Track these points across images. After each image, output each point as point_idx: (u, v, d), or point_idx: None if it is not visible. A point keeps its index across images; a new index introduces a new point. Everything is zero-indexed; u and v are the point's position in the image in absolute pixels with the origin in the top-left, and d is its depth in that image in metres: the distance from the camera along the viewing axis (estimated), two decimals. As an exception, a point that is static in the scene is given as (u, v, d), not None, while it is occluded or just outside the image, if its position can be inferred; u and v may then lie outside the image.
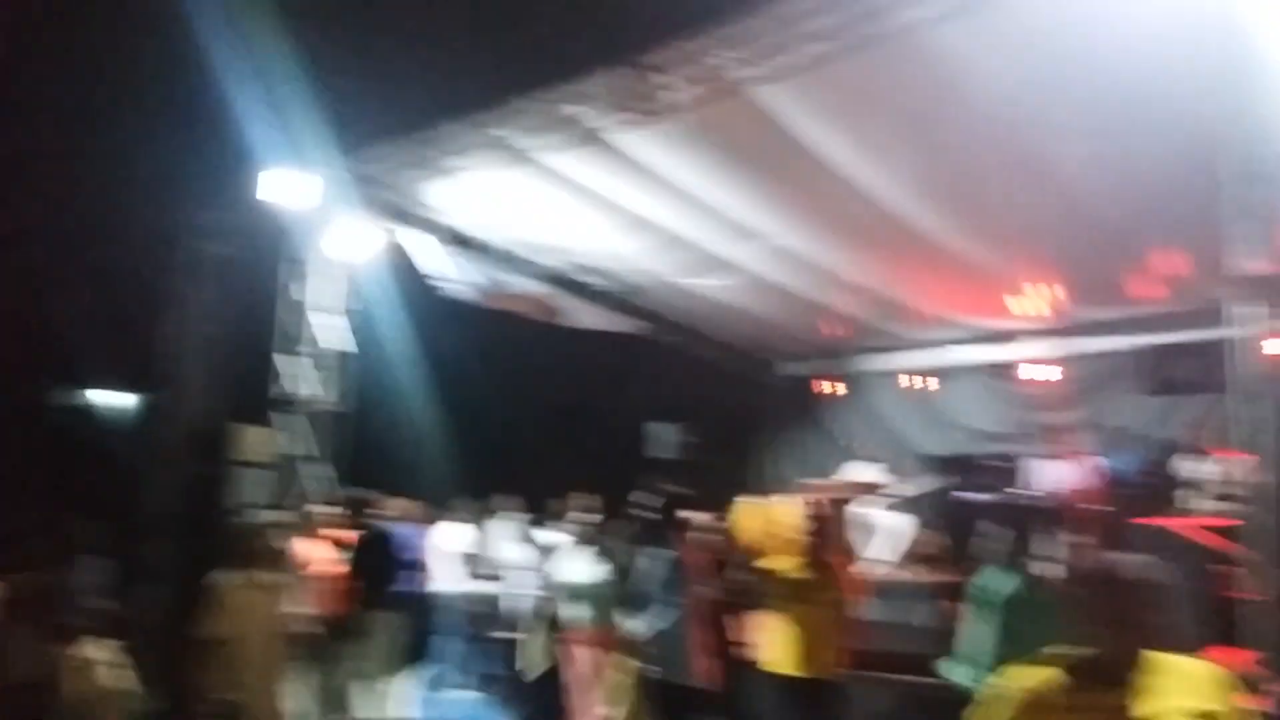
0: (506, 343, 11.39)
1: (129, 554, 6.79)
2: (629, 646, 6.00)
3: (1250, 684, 3.81)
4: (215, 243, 8.83)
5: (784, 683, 5.04)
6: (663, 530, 6.20)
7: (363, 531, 6.79)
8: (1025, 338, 10.97)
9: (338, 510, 7.30)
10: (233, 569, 4.48)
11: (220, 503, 7.08)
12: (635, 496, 5.76)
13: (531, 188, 7.58)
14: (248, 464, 7.63)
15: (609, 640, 5.86)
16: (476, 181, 7.48)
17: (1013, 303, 9.58)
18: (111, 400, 16.83)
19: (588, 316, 10.12)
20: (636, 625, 6.10)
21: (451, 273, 8.34)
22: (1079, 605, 2.27)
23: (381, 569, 6.63)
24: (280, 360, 7.55)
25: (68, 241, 12.92)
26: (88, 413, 16.83)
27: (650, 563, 5.77)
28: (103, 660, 6.12)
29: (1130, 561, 2.30)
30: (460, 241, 8.66)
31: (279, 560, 4.83)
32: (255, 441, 7.70)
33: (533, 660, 6.67)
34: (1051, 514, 8.04)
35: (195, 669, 4.27)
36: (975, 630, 4.18)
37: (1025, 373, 11.08)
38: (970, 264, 8.55)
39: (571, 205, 7.89)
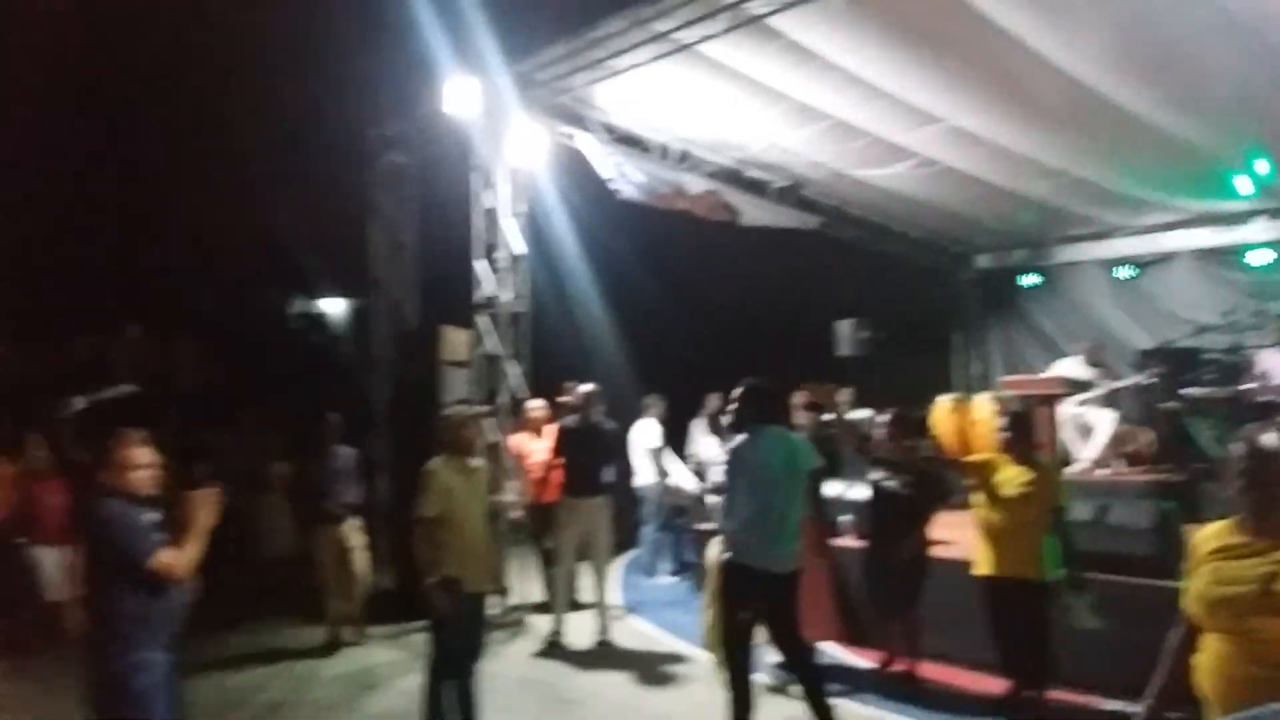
0: (682, 244, 11.53)
1: (358, 446, 7.60)
2: (827, 534, 6.16)
3: None
4: (407, 154, 9.43)
5: (985, 584, 5.01)
6: (852, 428, 6.27)
7: (566, 424, 7.21)
8: (1244, 220, 10.04)
9: (540, 404, 7.84)
10: (442, 457, 4.93)
11: (430, 398, 7.62)
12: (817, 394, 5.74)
13: (698, 82, 7.54)
14: (452, 363, 8.14)
15: (810, 529, 6.02)
16: (644, 80, 7.51)
17: (1230, 182, 8.75)
18: (335, 307, 18.48)
19: (763, 214, 10.04)
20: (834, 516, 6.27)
21: (625, 175, 8.49)
22: None
23: (585, 459, 6.96)
24: (476, 264, 8.00)
25: (278, 159, 14.07)
26: (315, 319, 18.58)
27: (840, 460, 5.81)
28: (353, 538, 7.01)
29: None
30: (632, 142, 8.79)
31: (482, 449, 5.29)
32: (457, 342, 8.20)
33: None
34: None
35: (417, 547, 4.75)
36: None
37: (1245, 257, 10.17)
38: (1180, 141, 7.86)
39: (740, 98, 7.80)
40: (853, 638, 6.54)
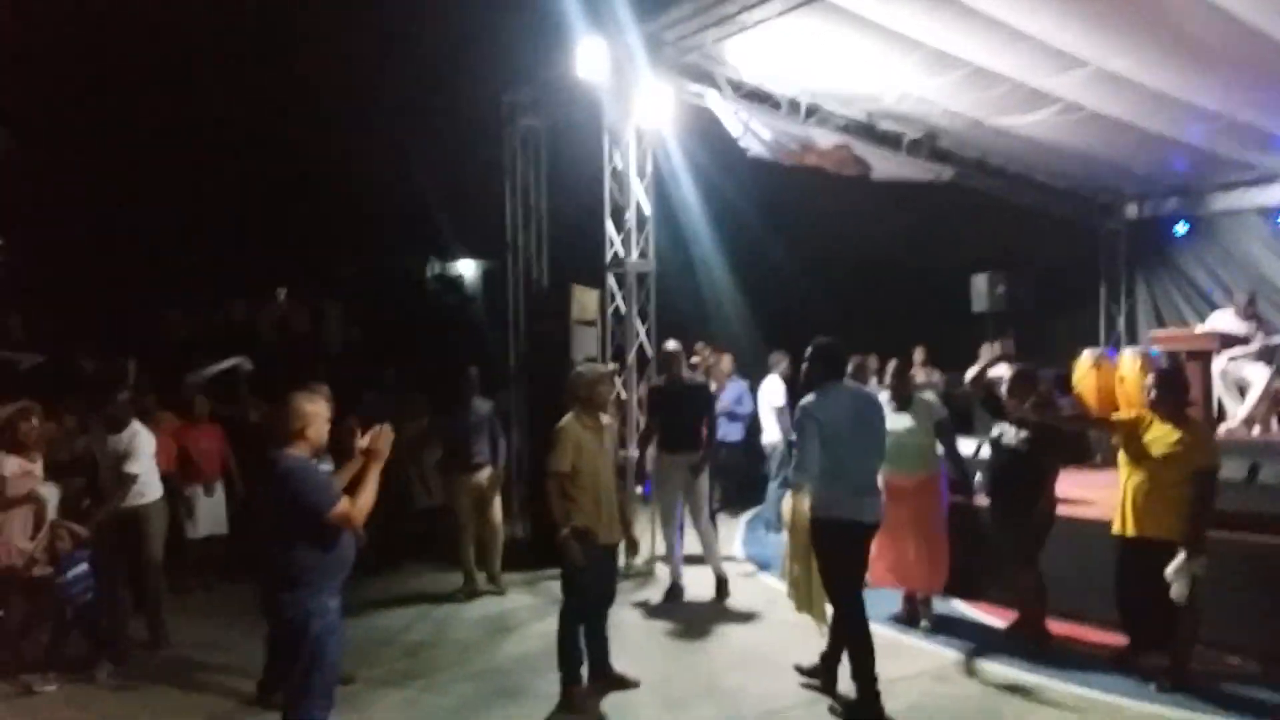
0: (810, 200, 11.36)
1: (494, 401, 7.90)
2: (957, 490, 6.13)
3: None
4: (539, 118, 9.62)
5: (1125, 544, 4.94)
6: (986, 387, 6.15)
7: (655, 383, 7.34)
8: None
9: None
10: (574, 413, 5.09)
11: (562, 356, 7.83)
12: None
13: (829, 34, 7.40)
14: (582, 322, 8.33)
15: (923, 484, 5.99)
16: (773, 34, 7.42)
17: None
18: (468, 269, 19.09)
19: (896, 168, 9.80)
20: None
21: (753, 132, 8.43)
22: None
23: (676, 416, 7.00)
24: (606, 224, 8.13)
25: (416, 127, 14.57)
26: (450, 280, 19.25)
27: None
28: (491, 488, 7.34)
29: None
30: (760, 99, 8.71)
31: (612, 406, 5.43)
32: (587, 301, 8.38)
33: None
34: None
35: (550, 499, 4.95)
36: None
37: None
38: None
39: (872, 48, 7.62)
40: (983, 595, 6.51)
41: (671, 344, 7.24)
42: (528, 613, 6.75)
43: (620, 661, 5.22)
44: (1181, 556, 4.58)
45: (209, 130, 14.98)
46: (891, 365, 6.29)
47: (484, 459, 7.37)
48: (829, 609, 4.88)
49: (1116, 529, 4.96)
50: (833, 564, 4.73)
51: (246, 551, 7.34)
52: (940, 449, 6.13)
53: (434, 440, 8.22)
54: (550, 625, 5.12)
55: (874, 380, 8.21)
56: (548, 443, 5.01)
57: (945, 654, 5.60)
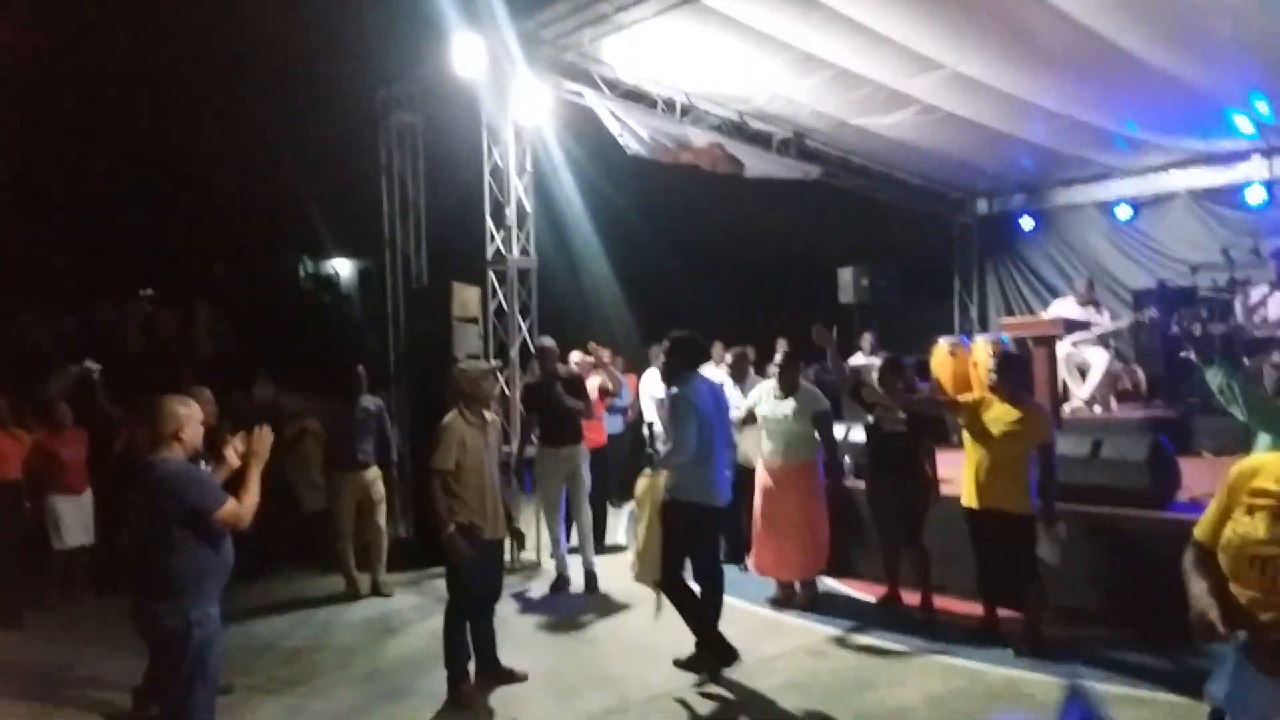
0: (687, 197, 11.62)
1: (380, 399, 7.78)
2: (832, 475, 6.42)
3: None
4: (416, 114, 9.50)
5: (971, 516, 5.30)
6: (844, 372, 6.48)
7: (528, 380, 7.45)
8: (1241, 158, 10.06)
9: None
10: (457, 410, 5.09)
11: (443, 354, 7.76)
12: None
13: (703, 35, 7.60)
14: (463, 319, 8.25)
15: (804, 469, 6.25)
16: (649, 34, 7.57)
17: (1230, 121, 8.77)
18: (344, 268, 18.64)
19: (767, 166, 10.12)
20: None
21: (630, 130, 8.57)
22: None
23: (551, 411, 7.07)
24: (487, 221, 8.12)
25: (286, 123, 14.12)
26: (325, 280, 18.74)
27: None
28: (375, 487, 7.23)
29: None
30: (637, 98, 8.85)
31: (493, 402, 5.46)
32: (468, 298, 8.33)
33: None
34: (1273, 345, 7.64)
35: (435, 497, 4.94)
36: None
37: (1242, 195, 10.23)
38: (1178, 81, 7.89)
39: (744, 50, 7.86)
40: (855, 573, 6.86)
41: (546, 340, 7.34)
42: (413, 613, 6.71)
43: (508, 655, 5.26)
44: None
45: (68, 124, 14.11)
46: (780, 353, 6.52)
47: (369, 458, 7.27)
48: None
49: (965, 502, 5.34)
50: (679, 543, 5.11)
51: (113, 563, 7.06)
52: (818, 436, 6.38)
53: (320, 440, 8.04)
54: (436, 624, 5.12)
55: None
56: (431, 441, 5.00)
57: (820, 630, 5.87)
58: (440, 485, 4.90)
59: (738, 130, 9.76)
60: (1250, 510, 2.28)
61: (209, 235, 15.61)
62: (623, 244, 13.42)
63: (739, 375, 7.31)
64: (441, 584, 5.07)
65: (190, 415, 3.66)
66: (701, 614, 5.16)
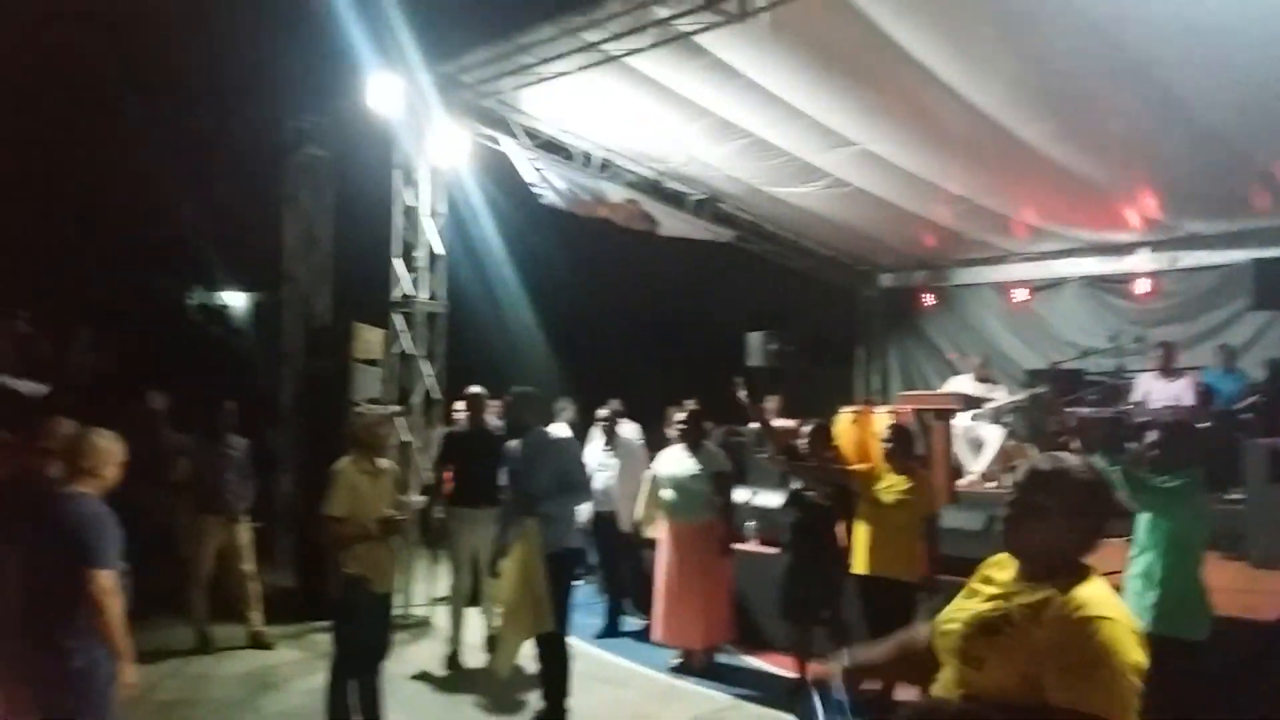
0: (602, 250, 11.63)
1: (259, 441, 7.43)
2: (726, 538, 6.29)
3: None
4: (326, 148, 9.27)
5: (861, 582, 5.35)
6: (758, 436, 6.46)
7: (453, 430, 7.15)
8: (1130, 250, 10.65)
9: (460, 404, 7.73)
10: (350, 455, 4.88)
11: (340, 396, 7.49)
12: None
13: (623, 94, 7.70)
14: (365, 361, 7.98)
15: (706, 531, 6.16)
16: (570, 88, 7.62)
17: (1118, 214, 9.28)
18: (238, 300, 17.94)
19: (681, 225, 10.24)
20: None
21: (547, 180, 8.56)
22: None
23: (474, 467, 6.48)
24: (394, 262, 7.93)
25: (190, 149, 13.62)
26: (215, 311, 17.99)
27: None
28: (242, 533, 6.83)
29: None
30: (555, 149, 8.87)
31: (393, 449, 5.28)
32: (371, 340, 8.07)
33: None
34: (1158, 428, 7.97)
35: (322, 544, 4.70)
36: None
37: (1130, 286, 10.81)
38: (1073, 174, 8.33)
39: (663, 111, 7.99)
40: (756, 643, 6.67)
41: (475, 388, 6.89)
42: (293, 668, 6.31)
43: (395, 717, 4.99)
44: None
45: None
46: (686, 412, 6.43)
47: (236, 501, 6.87)
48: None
49: (855, 569, 5.39)
50: (568, 594, 5.19)
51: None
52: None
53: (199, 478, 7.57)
54: (318, 681, 4.85)
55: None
56: (320, 486, 4.77)
57: (719, 697, 5.76)
58: (329, 532, 4.66)
59: (654, 189, 9.86)
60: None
61: (92, 255, 14.82)
62: (542, 293, 13.32)
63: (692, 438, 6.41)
64: (326, 638, 4.78)
65: (112, 452, 3.46)
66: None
